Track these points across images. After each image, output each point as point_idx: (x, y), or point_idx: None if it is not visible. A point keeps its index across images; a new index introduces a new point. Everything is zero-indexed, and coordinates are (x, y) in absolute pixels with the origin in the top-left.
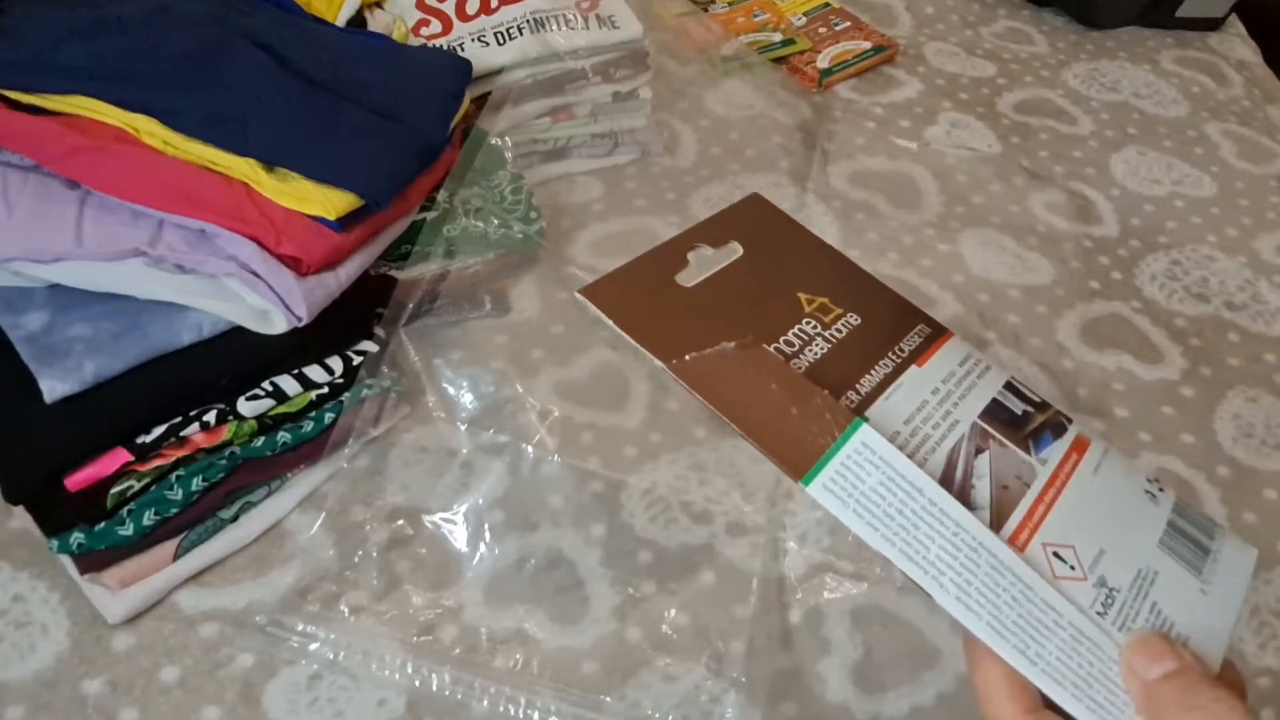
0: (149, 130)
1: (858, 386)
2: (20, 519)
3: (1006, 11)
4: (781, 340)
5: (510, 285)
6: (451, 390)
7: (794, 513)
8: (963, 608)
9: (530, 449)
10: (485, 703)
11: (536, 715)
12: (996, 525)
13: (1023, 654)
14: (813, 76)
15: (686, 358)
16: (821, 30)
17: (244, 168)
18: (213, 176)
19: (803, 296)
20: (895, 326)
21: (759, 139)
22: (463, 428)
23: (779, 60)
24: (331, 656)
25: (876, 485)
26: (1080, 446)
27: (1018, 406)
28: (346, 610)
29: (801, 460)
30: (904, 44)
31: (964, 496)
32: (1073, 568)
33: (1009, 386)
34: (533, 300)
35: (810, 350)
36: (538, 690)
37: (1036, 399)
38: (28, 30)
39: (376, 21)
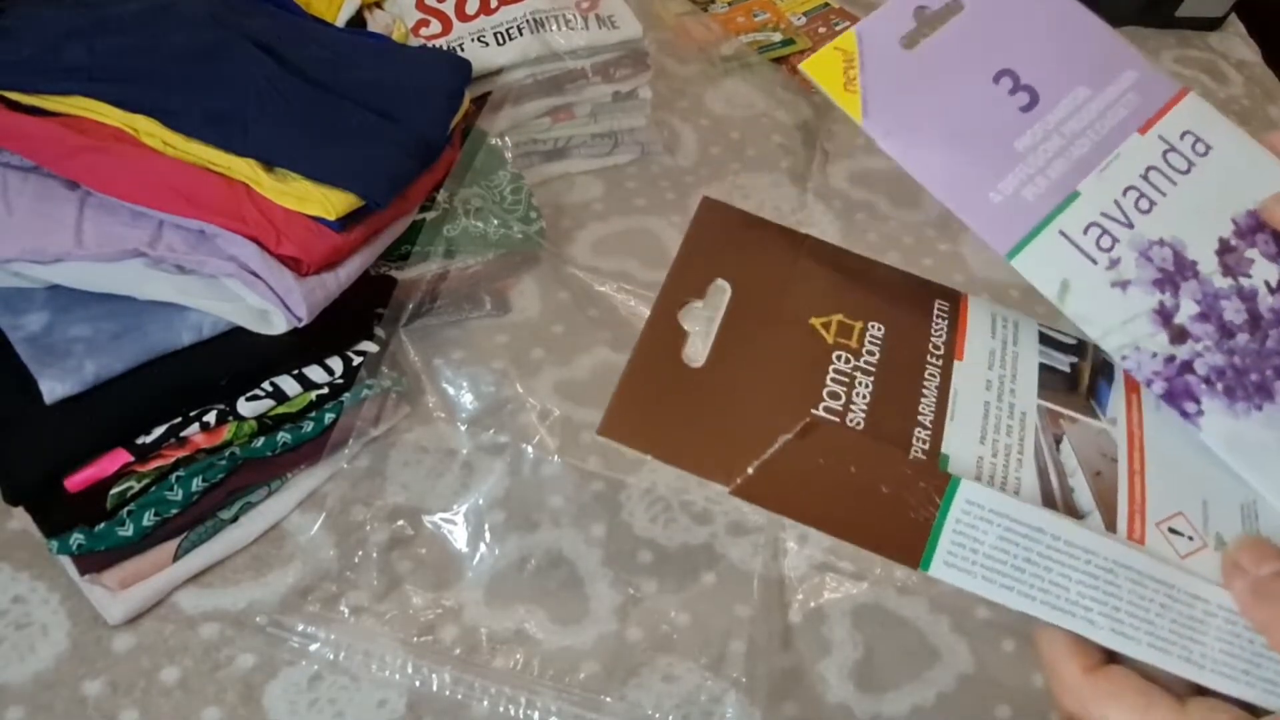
0: (149, 130)
1: (920, 418)
2: (20, 519)
3: None
4: (825, 394)
5: (510, 285)
6: (451, 390)
7: None
8: (1121, 639)
9: (530, 449)
10: (485, 703)
11: (537, 715)
12: (1109, 525)
13: (1190, 661)
14: None
15: (749, 471)
16: (821, 30)
17: (244, 168)
18: (213, 176)
19: (816, 323)
20: (919, 318)
21: (759, 138)
22: (463, 428)
23: (779, 60)
24: (332, 657)
25: (996, 541)
26: (1133, 382)
27: (1063, 362)
28: (347, 610)
29: (912, 544)
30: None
31: (1070, 508)
32: (1191, 538)
33: (1043, 339)
34: (533, 300)
35: (858, 396)
36: (538, 690)
37: (1071, 340)
38: (28, 30)
39: (376, 21)
